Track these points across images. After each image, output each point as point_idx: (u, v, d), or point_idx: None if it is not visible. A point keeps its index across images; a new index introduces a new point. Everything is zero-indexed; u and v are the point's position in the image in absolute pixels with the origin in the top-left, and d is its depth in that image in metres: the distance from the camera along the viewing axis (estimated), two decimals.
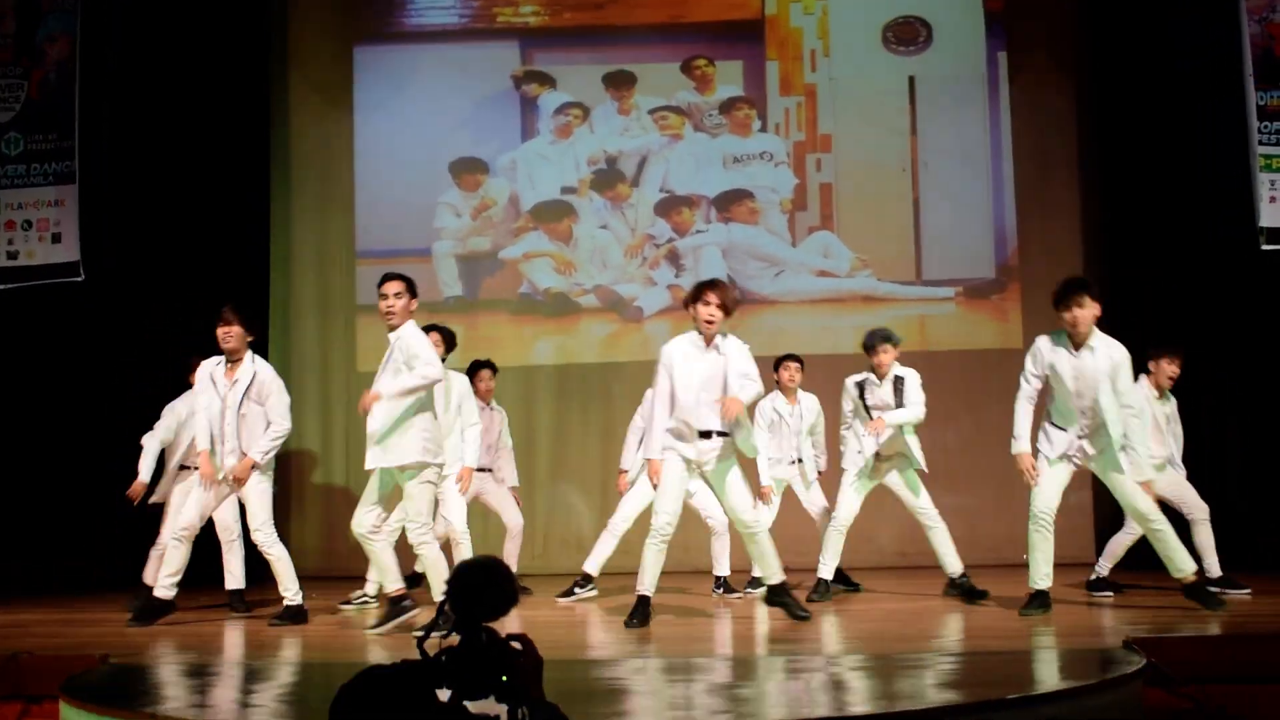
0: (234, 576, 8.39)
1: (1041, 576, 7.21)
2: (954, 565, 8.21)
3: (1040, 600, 7.19)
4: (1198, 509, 8.23)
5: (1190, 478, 8.34)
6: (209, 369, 7.72)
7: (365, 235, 11.38)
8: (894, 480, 8.29)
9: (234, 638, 7.30)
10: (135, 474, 8.58)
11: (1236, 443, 10.22)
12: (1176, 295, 10.28)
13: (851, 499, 8.26)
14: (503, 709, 3.26)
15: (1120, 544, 8.32)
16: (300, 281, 11.40)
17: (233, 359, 7.64)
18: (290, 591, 7.65)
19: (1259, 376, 10.13)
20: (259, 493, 7.58)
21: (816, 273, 11.19)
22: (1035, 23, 11.18)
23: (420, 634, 3.38)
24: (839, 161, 11.26)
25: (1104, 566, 8.36)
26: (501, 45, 11.51)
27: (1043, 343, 7.25)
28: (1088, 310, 7.04)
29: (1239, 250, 9.41)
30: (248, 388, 7.58)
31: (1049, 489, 7.21)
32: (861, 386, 8.23)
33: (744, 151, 11.35)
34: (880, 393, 8.16)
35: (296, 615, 7.63)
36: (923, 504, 8.24)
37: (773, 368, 8.76)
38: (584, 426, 11.00)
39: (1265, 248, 9.03)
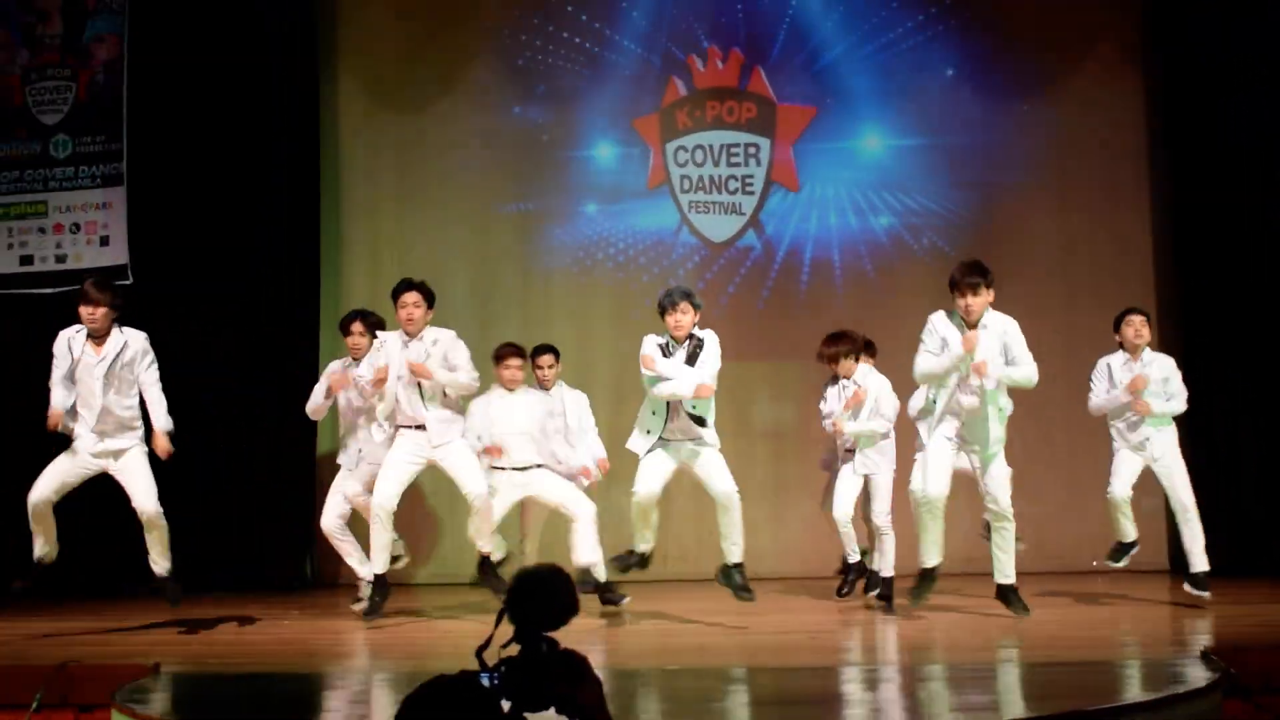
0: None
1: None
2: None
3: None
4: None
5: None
6: None
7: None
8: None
9: (291, 644, 7.22)
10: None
11: (1251, 444, 9.97)
12: (1225, 289, 10.03)
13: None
14: None
15: None
16: (350, 283, 11.23)
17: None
18: None
19: (1273, 375, 9.89)
20: None
21: None
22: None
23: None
24: None
25: None
26: None
27: (937, 318, 7.06)
28: (981, 298, 6.87)
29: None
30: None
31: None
32: (664, 350, 7.13)
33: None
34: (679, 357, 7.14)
35: None
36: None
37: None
38: None
39: None
